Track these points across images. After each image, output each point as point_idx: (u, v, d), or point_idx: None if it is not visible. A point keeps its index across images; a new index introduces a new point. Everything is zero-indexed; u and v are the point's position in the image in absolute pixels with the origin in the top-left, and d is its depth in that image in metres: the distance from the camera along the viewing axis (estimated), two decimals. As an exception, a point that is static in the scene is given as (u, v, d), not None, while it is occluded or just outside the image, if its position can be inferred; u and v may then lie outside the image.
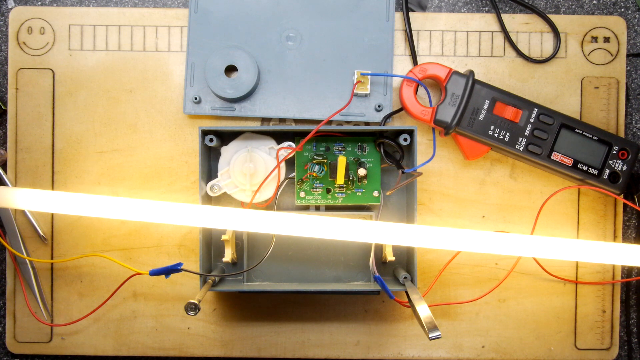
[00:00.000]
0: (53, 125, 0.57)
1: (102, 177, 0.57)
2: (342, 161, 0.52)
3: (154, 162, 0.57)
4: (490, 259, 0.58)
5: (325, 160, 0.54)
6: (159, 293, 0.57)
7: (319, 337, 0.58)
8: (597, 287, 0.58)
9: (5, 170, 0.57)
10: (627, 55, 0.58)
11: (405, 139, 0.53)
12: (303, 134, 0.54)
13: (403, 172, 0.52)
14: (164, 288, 0.57)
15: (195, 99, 0.56)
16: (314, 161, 0.54)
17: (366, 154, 0.55)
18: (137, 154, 0.57)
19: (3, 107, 0.58)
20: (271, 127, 0.54)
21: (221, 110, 0.56)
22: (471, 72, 0.55)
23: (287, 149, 0.54)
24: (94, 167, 0.57)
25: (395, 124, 0.57)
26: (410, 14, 0.57)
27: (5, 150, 0.57)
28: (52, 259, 0.57)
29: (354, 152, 0.55)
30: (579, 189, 0.58)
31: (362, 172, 0.54)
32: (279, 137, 0.55)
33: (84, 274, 0.57)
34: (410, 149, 0.54)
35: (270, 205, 0.55)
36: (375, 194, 0.55)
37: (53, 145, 0.57)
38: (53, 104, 0.57)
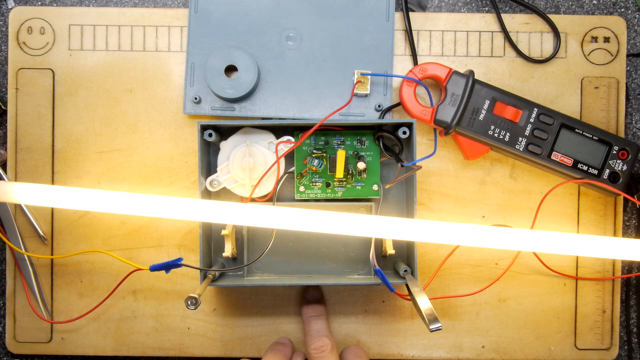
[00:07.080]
0: (53, 125, 0.57)
1: (102, 177, 0.57)
2: (341, 155, 0.52)
3: (154, 162, 0.57)
4: (490, 259, 0.58)
5: (325, 154, 0.54)
6: (158, 293, 0.57)
7: (319, 337, 0.57)
8: (597, 287, 0.58)
9: (5, 170, 0.57)
10: (627, 55, 0.58)
11: (404, 132, 0.53)
12: (302, 128, 0.54)
13: (402, 166, 0.52)
14: (164, 288, 0.57)
15: (195, 99, 0.56)
16: (313, 155, 0.54)
17: (365, 147, 0.55)
18: (137, 154, 0.57)
19: (3, 107, 0.58)
20: (270, 121, 0.53)
21: (221, 110, 0.56)
22: (471, 72, 0.55)
23: (287, 143, 0.53)
24: (94, 167, 0.57)
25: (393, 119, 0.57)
26: (410, 14, 0.57)
27: (5, 150, 0.57)
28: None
29: (353, 146, 0.55)
30: (579, 188, 0.58)
31: (361, 165, 0.54)
32: (278, 131, 0.55)
33: (84, 274, 0.57)
34: (409, 142, 0.54)
35: (270, 199, 0.55)
36: (375, 187, 0.55)
37: (53, 145, 0.57)
38: (53, 104, 0.57)
